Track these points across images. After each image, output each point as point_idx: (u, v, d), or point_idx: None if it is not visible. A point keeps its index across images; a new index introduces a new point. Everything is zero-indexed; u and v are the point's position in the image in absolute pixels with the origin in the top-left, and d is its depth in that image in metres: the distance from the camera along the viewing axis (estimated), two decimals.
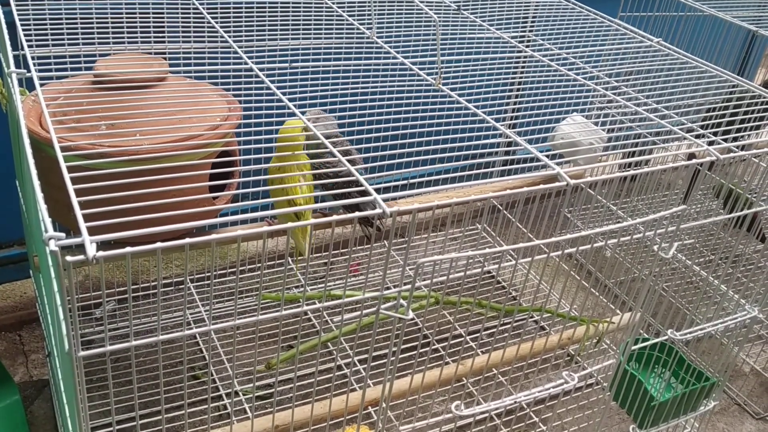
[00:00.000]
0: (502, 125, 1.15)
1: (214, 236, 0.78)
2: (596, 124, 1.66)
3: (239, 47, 1.29)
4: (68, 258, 0.68)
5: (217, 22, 1.39)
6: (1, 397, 1.57)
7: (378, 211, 0.83)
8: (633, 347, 1.34)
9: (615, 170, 2.18)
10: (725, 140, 1.20)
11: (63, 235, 0.68)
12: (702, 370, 1.47)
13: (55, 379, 1.35)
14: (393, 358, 1.00)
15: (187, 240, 0.75)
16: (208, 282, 1.97)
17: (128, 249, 0.72)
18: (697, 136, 1.21)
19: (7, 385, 1.59)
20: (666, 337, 1.38)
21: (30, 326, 1.87)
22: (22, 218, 1.54)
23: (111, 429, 0.93)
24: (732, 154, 1.18)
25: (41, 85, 1.07)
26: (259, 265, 2.01)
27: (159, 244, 0.74)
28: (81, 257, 0.68)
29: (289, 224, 0.83)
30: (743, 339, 1.54)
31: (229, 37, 1.33)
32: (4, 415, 1.54)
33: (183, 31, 1.46)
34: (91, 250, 0.68)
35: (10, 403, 1.56)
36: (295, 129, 1.27)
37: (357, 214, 0.83)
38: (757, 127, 1.34)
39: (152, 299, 1.89)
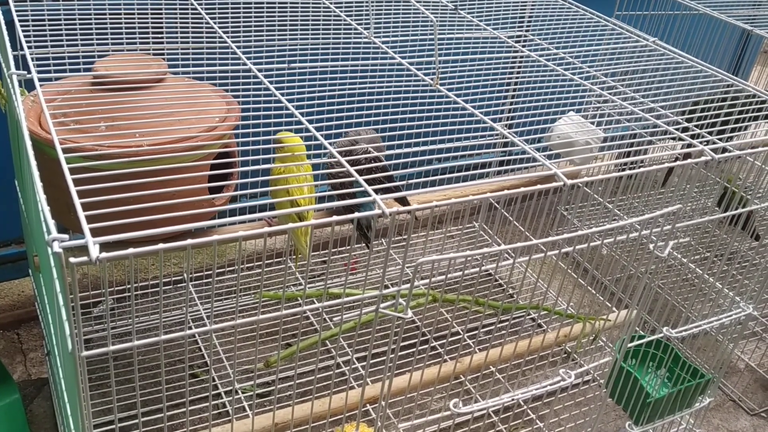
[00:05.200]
0: (499, 125, 1.16)
1: (215, 237, 0.78)
2: (592, 123, 1.67)
3: (237, 47, 1.29)
4: (72, 260, 0.68)
5: (215, 22, 1.40)
6: (0, 396, 1.57)
7: (378, 212, 0.84)
8: (629, 344, 1.35)
9: (611, 169, 2.19)
10: (721, 140, 1.21)
11: (66, 237, 0.68)
12: (697, 367, 1.48)
13: (55, 377, 1.35)
14: (392, 356, 1.01)
15: (189, 241, 0.76)
16: (206, 280, 1.98)
17: (131, 250, 0.72)
18: (692, 136, 1.22)
19: (6, 384, 1.60)
20: (662, 335, 1.40)
21: (28, 325, 1.87)
22: (21, 218, 1.54)
23: (112, 427, 0.94)
24: (727, 154, 1.19)
25: (40, 85, 1.07)
26: (258, 263, 2.01)
27: (161, 245, 0.74)
28: (84, 259, 0.68)
29: (290, 225, 0.84)
30: (738, 336, 1.56)
31: (228, 37, 1.34)
32: (4, 414, 1.54)
33: (181, 32, 1.46)
34: (95, 251, 0.69)
35: (10, 402, 1.56)
36: (295, 138, 1.28)
37: (356, 215, 0.84)
38: (745, 122, 1.35)
39: (150, 297, 1.89)
